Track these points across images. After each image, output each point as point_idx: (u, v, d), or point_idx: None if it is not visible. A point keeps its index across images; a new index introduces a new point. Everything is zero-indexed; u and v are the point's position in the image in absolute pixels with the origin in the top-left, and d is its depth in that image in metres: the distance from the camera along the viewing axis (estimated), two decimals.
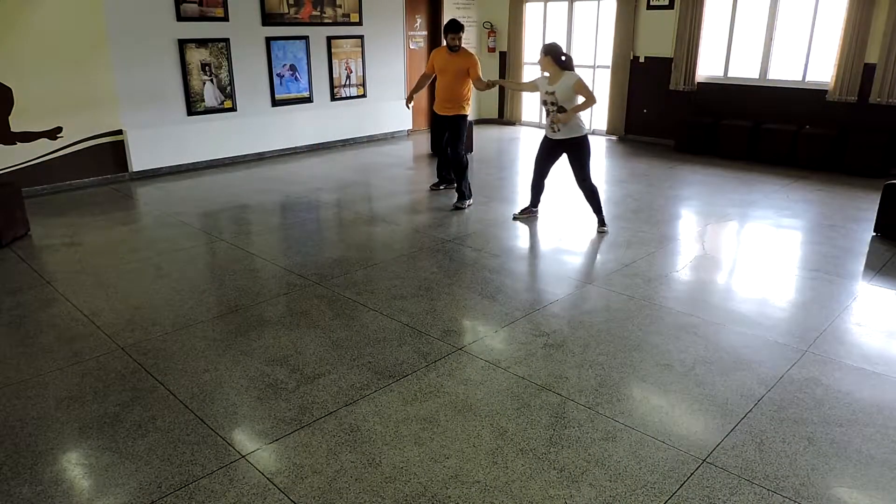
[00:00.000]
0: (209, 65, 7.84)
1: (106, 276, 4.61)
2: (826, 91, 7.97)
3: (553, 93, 5.36)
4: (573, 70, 5.42)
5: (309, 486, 2.50)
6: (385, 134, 10.06)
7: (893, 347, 3.63)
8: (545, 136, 5.64)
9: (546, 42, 5.63)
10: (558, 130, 5.46)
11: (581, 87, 5.31)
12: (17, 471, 2.59)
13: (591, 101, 5.35)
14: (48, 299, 4.22)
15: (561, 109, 5.38)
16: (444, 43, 6.35)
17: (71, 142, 6.92)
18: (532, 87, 5.68)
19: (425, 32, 10.60)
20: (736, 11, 8.64)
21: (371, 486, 2.50)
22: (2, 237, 5.14)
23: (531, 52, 10.94)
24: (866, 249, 5.21)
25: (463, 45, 6.38)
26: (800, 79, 8.26)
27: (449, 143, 6.46)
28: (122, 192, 6.99)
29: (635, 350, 3.56)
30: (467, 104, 6.52)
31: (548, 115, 5.52)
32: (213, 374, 3.31)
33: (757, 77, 8.59)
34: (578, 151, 5.50)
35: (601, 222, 5.65)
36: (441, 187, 7.09)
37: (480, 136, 9.93)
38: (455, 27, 6.21)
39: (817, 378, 3.27)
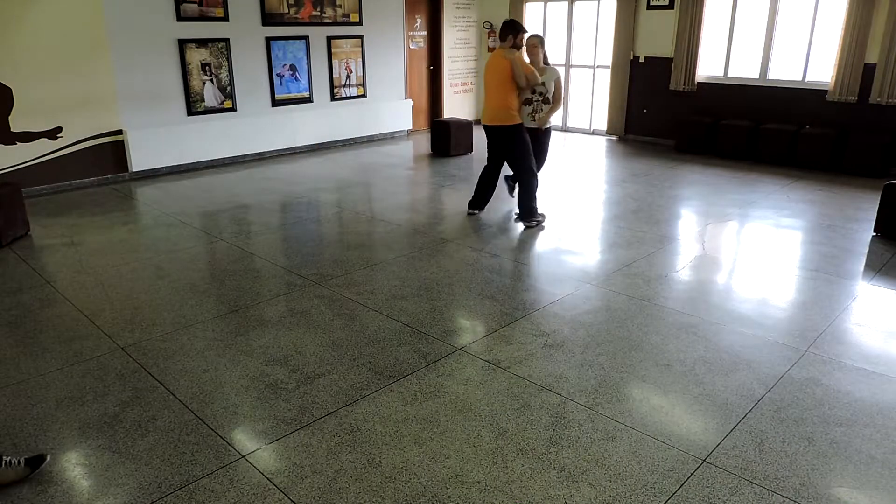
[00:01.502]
0: (209, 65, 7.84)
1: (106, 276, 4.61)
2: (826, 91, 7.97)
3: (543, 83, 5.69)
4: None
5: (309, 486, 2.50)
6: (385, 134, 10.06)
7: (893, 347, 3.62)
8: (526, 127, 5.75)
9: (534, 32, 5.85)
10: (534, 120, 5.87)
11: (559, 85, 5.74)
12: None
13: (560, 100, 5.86)
14: (48, 299, 4.22)
15: (546, 101, 5.75)
16: (523, 46, 5.63)
17: (71, 142, 6.92)
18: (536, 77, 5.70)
19: (425, 32, 10.60)
20: (736, 11, 8.64)
21: (371, 486, 2.50)
22: (2, 237, 5.14)
23: None
24: (866, 249, 5.21)
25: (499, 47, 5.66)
26: (800, 79, 8.26)
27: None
28: (122, 192, 6.99)
29: (635, 350, 3.56)
30: None
31: (529, 103, 5.76)
32: (213, 374, 3.31)
33: (757, 77, 8.59)
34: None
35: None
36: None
37: (480, 135, 9.91)
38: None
39: (817, 378, 3.27)
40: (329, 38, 8.99)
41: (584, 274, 4.74)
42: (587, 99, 10.45)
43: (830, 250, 5.15)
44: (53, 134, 6.81)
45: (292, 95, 8.77)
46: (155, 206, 6.48)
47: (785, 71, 8.40)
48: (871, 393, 3.14)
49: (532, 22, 10.82)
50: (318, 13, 8.79)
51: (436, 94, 11.00)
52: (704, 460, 2.65)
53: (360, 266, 4.79)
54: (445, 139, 8.82)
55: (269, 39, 8.34)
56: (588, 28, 10.21)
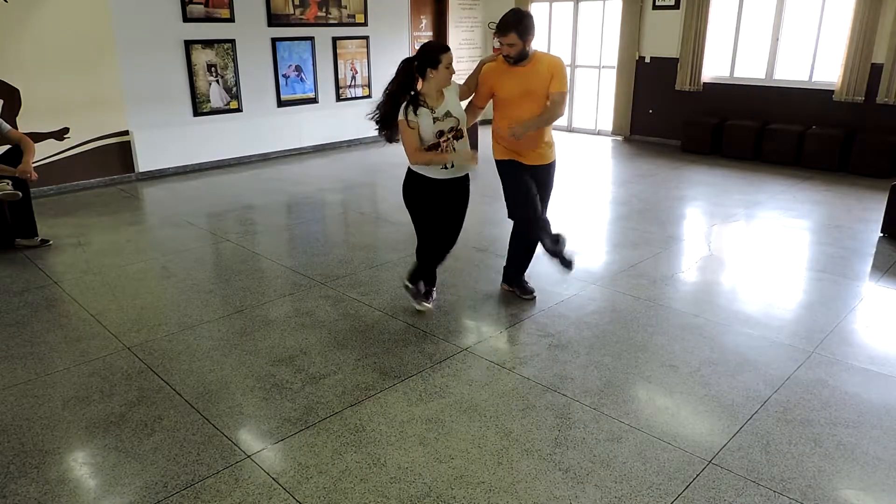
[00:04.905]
0: (215, 65, 7.86)
1: (112, 277, 4.62)
2: (833, 91, 7.93)
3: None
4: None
5: (314, 486, 2.50)
6: None
7: None
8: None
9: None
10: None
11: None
12: (24, 470, 2.60)
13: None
14: (55, 299, 4.24)
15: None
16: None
17: (78, 142, 6.95)
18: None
19: (430, 33, 10.60)
20: (742, 11, 8.61)
21: (376, 486, 2.51)
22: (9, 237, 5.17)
23: None
24: (873, 250, 5.18)
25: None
26: (806, 79, 8.23)
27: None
28: (129, 192, 7.02)
29: (641, 351, 3.55)
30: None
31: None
32: (219, 373, 3.32)
33: (763, 77, 8.56)
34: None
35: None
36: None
37: (484, 136, 9.91)
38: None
39: (824, 379, 3.26)
40: (334, 39, 9.01)
41: (589, 274, 4.73)
42: (592, 99, 10.44)
43: (837, 251, 5.12)
44: (61, 135, 6.84)
45: (298, 96, 8.79)
46: (161, 206, 6.50)
47: (791, 71, 8.36)
48: (879, 394, 3.13)
49: (537, 22, 10.81)
50: (324, 14, 8.81)
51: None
52: (710, 461, 2.64)
53: (366, 266, 4.80)
54: None
55: (274, 40, 8.36)
56: (594, 28, 10.20)
